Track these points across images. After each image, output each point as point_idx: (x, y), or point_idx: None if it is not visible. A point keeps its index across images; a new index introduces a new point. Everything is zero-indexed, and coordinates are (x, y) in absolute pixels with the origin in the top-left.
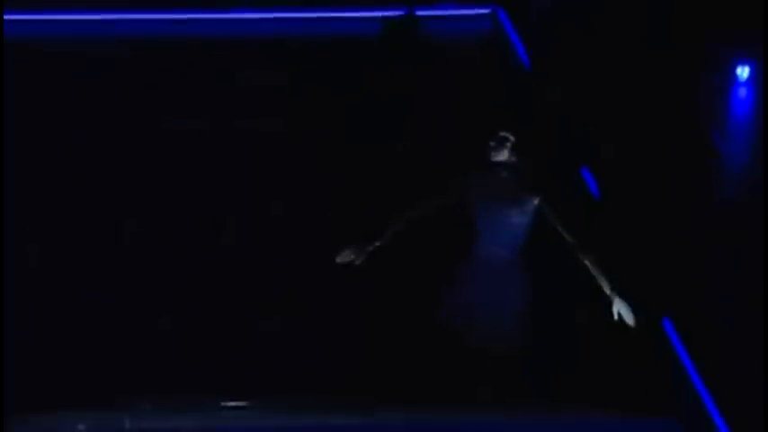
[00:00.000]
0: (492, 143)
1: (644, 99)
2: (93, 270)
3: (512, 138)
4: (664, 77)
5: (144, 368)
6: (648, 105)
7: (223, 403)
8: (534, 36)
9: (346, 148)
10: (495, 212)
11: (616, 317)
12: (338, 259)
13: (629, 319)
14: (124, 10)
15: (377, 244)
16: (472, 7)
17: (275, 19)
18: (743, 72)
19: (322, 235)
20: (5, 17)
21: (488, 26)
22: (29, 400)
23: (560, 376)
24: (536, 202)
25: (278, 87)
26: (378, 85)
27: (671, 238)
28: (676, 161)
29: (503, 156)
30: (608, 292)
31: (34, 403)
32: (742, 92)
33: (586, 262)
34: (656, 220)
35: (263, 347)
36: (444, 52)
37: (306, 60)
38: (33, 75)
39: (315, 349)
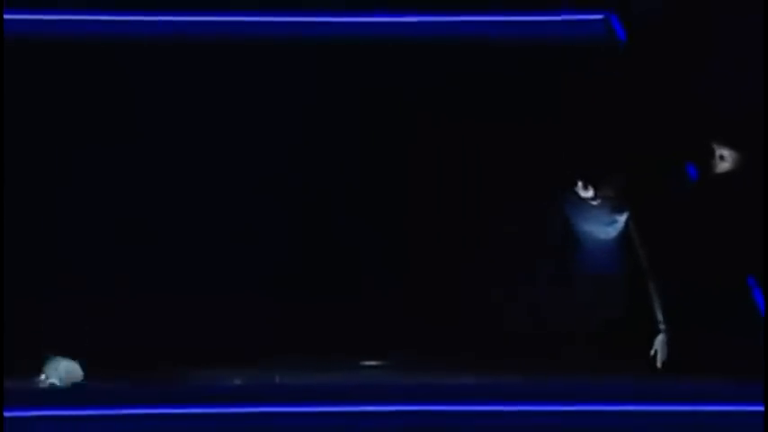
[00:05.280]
0: (605, 190)
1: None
2: (246, 236)
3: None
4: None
5: (290, 330)
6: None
7: (361, 362)
8: (641, 40)
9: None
10: (588, 226)
11: (653, 352)
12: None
13: (660, 360)
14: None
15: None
16: (584, 12)
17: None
18: None
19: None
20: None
21: (601, 31)
22: (195, 356)
23: (651, 345)
24: (625, 217)
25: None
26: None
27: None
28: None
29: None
30: (658, 323)
31: (198, 359)
32: None
33: (651, 288)
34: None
35: (396, 308)
36: (553, 58)
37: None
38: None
39: (446, 314)
